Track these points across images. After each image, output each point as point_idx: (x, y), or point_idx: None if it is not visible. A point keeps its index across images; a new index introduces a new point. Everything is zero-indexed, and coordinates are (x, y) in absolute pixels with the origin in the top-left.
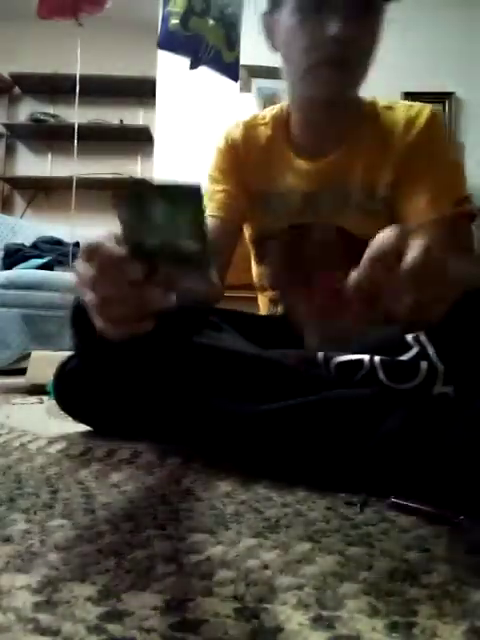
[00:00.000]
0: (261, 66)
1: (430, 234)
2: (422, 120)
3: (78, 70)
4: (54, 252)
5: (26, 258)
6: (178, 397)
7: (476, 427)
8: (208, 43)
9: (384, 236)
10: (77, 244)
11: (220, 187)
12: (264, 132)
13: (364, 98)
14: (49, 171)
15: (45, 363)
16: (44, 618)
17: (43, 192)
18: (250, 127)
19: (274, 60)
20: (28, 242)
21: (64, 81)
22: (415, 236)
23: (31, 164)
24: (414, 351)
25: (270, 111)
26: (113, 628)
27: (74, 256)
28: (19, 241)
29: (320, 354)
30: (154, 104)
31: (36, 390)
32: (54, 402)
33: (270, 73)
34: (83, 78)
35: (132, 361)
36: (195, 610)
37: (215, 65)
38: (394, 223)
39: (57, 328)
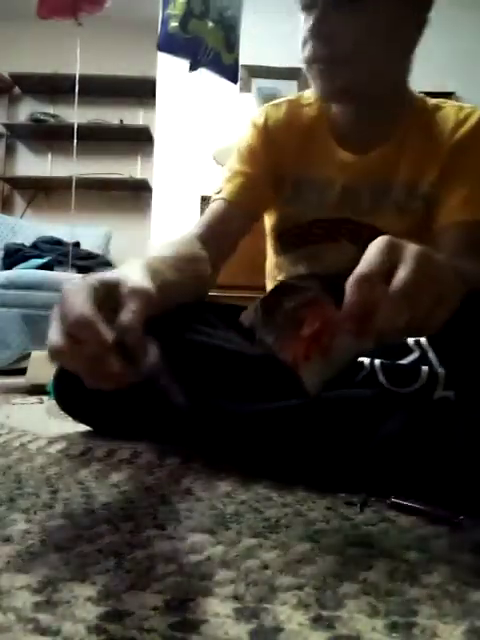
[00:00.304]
0: (261, 66)
1: (420, 250)
2: (473, 120)
3: (78, 70)
4: (54, 252)
5: (26, 258)
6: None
7: (477, 429)
8: (207, 45)
9: (371, 254)
10: (77, 244)
11: (243, 168)
12: (308, 114)
13: (415, 94)
14: (49, 171)
15: (45, 363)
16: (44, 618)
17: (43, 192)
18: (294, 106)
19: (274, 60)
20: (28, 242)
21: (64, 81)
22: (404, 252)
23: (31, 164)
24: (415, 355)
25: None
26: (113, 628)
27: (74, 256)
28: (19, 241)
29: None
30: (154, 104)
31: (36, 390)
32: (54, 402)
33: (270, 73)
34: (83, 78)
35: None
36: (195, 610)
37: (214, 67)
38: (428, 224)
39: None
